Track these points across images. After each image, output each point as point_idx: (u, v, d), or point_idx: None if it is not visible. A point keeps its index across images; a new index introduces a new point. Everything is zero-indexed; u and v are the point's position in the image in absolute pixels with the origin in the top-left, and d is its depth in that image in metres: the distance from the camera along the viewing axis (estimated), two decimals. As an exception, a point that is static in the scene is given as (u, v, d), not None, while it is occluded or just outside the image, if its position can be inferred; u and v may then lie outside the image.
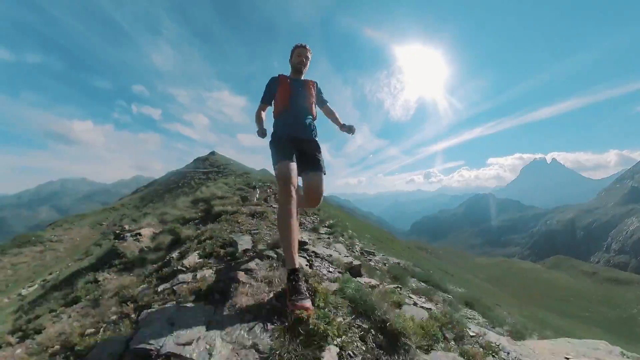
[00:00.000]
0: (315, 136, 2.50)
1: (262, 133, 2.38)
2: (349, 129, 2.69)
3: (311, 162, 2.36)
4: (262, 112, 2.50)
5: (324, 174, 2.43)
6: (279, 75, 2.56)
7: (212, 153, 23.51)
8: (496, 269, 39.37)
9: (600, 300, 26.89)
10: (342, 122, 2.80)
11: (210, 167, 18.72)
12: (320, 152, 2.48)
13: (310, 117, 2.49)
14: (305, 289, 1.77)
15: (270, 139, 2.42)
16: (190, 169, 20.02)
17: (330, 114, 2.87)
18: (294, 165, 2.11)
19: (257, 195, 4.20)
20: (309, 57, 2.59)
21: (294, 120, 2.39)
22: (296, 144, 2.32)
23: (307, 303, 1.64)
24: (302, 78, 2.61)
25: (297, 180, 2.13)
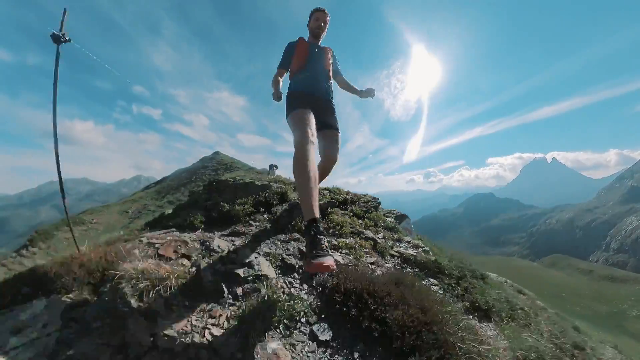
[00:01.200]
0: (331, 95, 2.46)
1: (277, 96, 2.28)
2: (369, 92, 2.65)
3: (328, 119, 2.36)
4: (279, 77, 2.43)
5: (338, 131, 2.45)
6: (298, 38, 2.53)
7: (217, 153, 24.37)
8: (492, 267, 40.15)
9: (593, 296, 27.61)
10: (359, 90, 2.73)
11: (217, 164, 19.62)
12: (335, 112, 2.46)
13: (327, 79, 2.45)
14: (326, 243, 1.50)
15: (287, 95, 2.36)
16: (197, 167, 20.91)
17: (345, 84, 2.78)
18: (311, 113, 2.06)
19: (274, 173, 4.14)
20: (327, 22, 2.52)
21: (311, 80, 2.35)
22: (313, 101, 2.26)
23: (328, 260, 1.38)
24: (320, 44, 2.57)
25: (314, 125, 2.02)
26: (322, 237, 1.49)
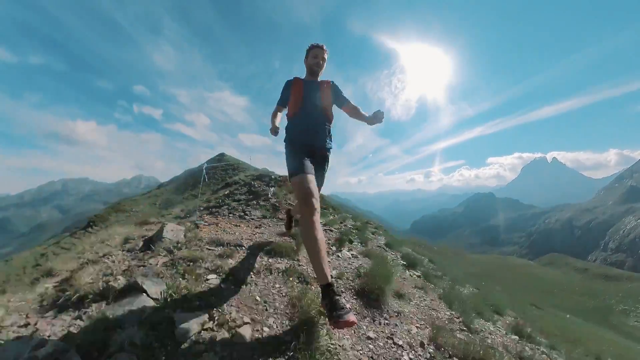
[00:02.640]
0: (329, 144, 2.42)
1: (274, 131, 2.33)
2: (376, 117, 2.33)
3: (317, 175, 2.27)
4: (277, 112, 2.46)
5: (322, 185, 2.48)
6: (294, 77, 2.51)
7: (222, 154, 25.45)
8: (488, 265, 41.14)
9: (583, 292, 28.66)
10: (367, 116, 2.44)
11: (225, 165, 20.79)
12: (326, 164, 2.45)
13: (324, 120, 2.39)
14: (344, 302, 1.62)
15: (285, 141, 2.37)
16: (207, 167, 22.08)
17: (353, 113, 2.55)
18: (313, 178, 2.02)
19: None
20: (326, 58, 2.49)
21: (307, 125, 2.31)
22: (311, 151, 2.28)
23: (352, 317, 1.49)
24: (319, 79, 2.52)
25: (318, 192, 2.00)
26: (339, 297, 1.60)
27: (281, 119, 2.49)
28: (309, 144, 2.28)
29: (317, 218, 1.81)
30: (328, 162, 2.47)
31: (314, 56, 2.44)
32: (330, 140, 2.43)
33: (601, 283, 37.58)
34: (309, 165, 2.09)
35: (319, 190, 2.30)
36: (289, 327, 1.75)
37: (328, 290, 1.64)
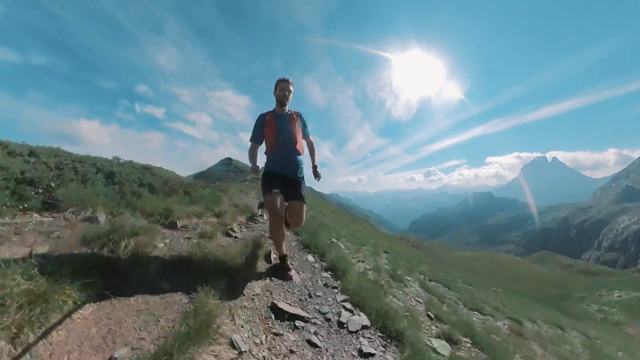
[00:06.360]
0: (301, 173, 2.76)
1: (254, 170, 2.69)
2: (315, 175, 2.82)
3: (294, 193, 2.63)
4: (253, 150, 2.74)
5: (304, 202, 2.73)
6: (265, 113, 2.72)
7: (229, 159, 28.40)
8: (475, 260, 44.19)
9: (553, 284, 31.67)
10: (315, 164, 2.93)
11: (234, 168, 23.71)
12: (302, 185, 2.74)
13: (297, 153, 2.69)
14: (290, 266, 2.78)
15: (262, 175, 2.69)
16: (218, 170, 24.93)
17: (309, 147, 2.96)
18: (278, 195, 2.43)
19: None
20: (292, 90, 2.71)
21: (282, 160, 2.65)
22: (283, 179, 2.61)
23: (292, 273, 2.68)
24: (287, 110, 2.73)
25: (283, 206, 2.48)
26: (289, 263, 2.76)
27: (257, 155, 2.78)
28: (282, 174, 2.64)
29: (280, 221, 2.43)
30: (302, 184, 2.77)
31: (281, 89, 2.68)
32: (302, 170, 2.79)
33: (578, 277, 40.55)
34: (276, 185, 2.52)
35: (302, 207, 2.71)
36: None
37: (283, 260, 2.68)
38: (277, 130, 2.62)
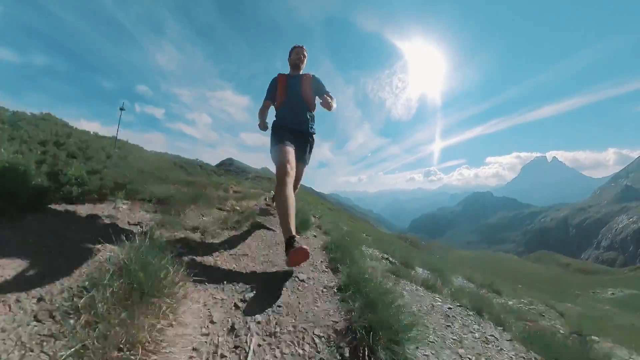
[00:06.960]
0: (312, 127, 2.69)
1: (263, 126, 2.71)
2: (325, 103, 2.50)
3: (298, 153, 2.46)
4: (265, 108, 2.78)
5: (306, 164, 2.72)
6: (278, 74, 2.81)
7: (231, 159, 28.87)
8: (472, 259, 44.65)
9: (547, 282, 32.11)
10: (329, 101, 2.53)
11: (236, 169, 24.22)
12: (308, 145, 2.67)
13: (306, 108, 2.67)
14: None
15: (271, 128, 2.64)
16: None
17: (327, 98, 2.56)
18: (290, 148, 2.27)
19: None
20: (306, 55, 2.82)
21: (290, 112, 2.61)
22: (293, 133, 2.51)
23: (304, 245, 1.69)
24: (300, 72, 2.79)
25: (294, 159, 2.23)
26: (300, 243, 1.74)
27: (267, 114, 2.78)
28: (293, 127, 2.55)
29: (290, 180, 2.05)
30: (311, 145, 2.72)
31: (297, 53, 2.80)
32: (313, 124, 2.73)
33: (576, 276, 40.94)
34: (288, 139, 2.35)
35: (302, 170, 2.68)
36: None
37: (291, 241, 1.76)
38: (288, 85, 2.68)
